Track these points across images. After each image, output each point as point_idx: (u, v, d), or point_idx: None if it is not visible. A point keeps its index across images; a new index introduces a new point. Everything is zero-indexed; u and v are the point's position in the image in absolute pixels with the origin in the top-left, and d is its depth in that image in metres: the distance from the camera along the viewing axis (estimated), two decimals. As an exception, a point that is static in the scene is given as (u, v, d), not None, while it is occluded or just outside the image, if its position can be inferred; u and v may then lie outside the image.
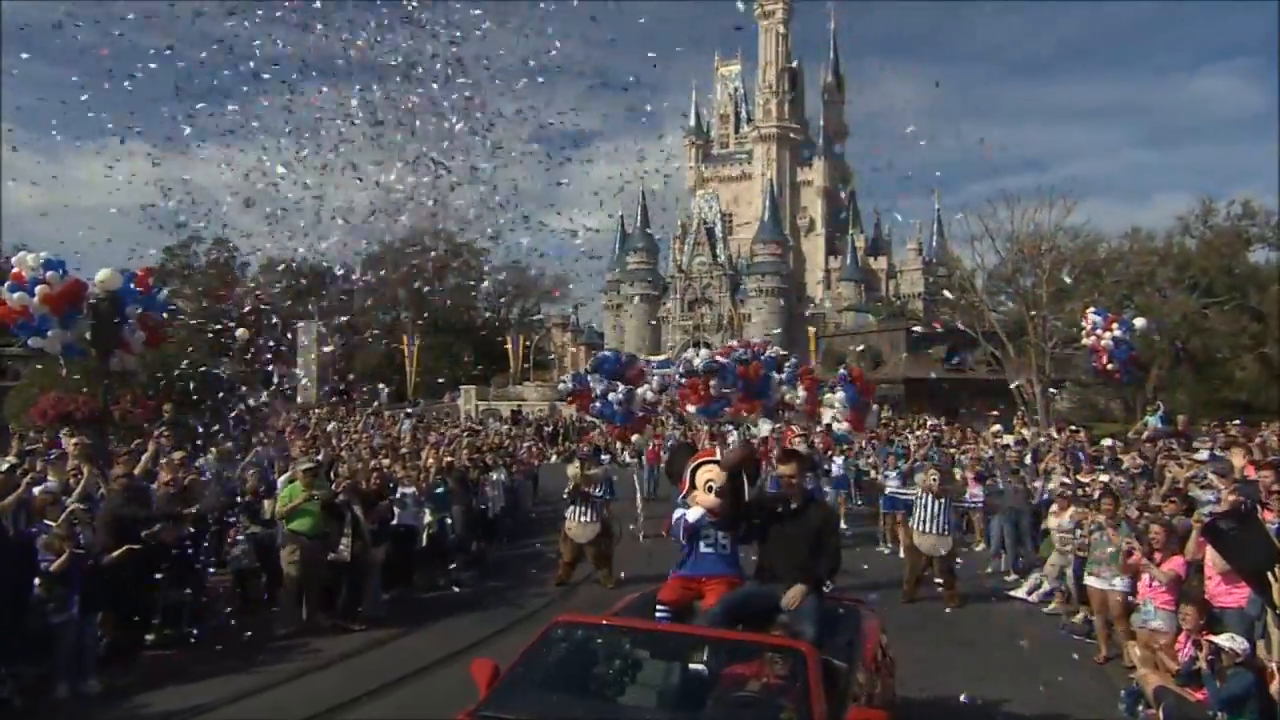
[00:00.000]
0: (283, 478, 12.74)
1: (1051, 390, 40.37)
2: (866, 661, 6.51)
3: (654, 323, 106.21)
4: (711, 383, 17.02)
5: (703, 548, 6.79)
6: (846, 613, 7.22)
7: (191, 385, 16.52)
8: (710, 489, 6.67)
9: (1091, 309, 24.63)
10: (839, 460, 20.96)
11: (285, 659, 10.61)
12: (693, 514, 6.74)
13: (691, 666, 6.05)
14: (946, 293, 49.52)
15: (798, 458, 7.28)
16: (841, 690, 5.76)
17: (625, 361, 19.15)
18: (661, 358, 20.86)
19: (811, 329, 71.92)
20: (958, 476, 16.56)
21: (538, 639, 6.00)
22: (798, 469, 7.02)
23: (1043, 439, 21.12)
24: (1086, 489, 13.50)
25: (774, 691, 5.55)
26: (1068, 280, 39.21)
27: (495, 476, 17.71)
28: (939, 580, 13.72)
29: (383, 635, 11.59)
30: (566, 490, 14.73)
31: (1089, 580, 11.29)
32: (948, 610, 13.12)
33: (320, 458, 14.88)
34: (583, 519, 13.96)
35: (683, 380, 17.72)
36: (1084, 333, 24.51)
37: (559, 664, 5.89)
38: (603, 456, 18.51)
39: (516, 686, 5.56)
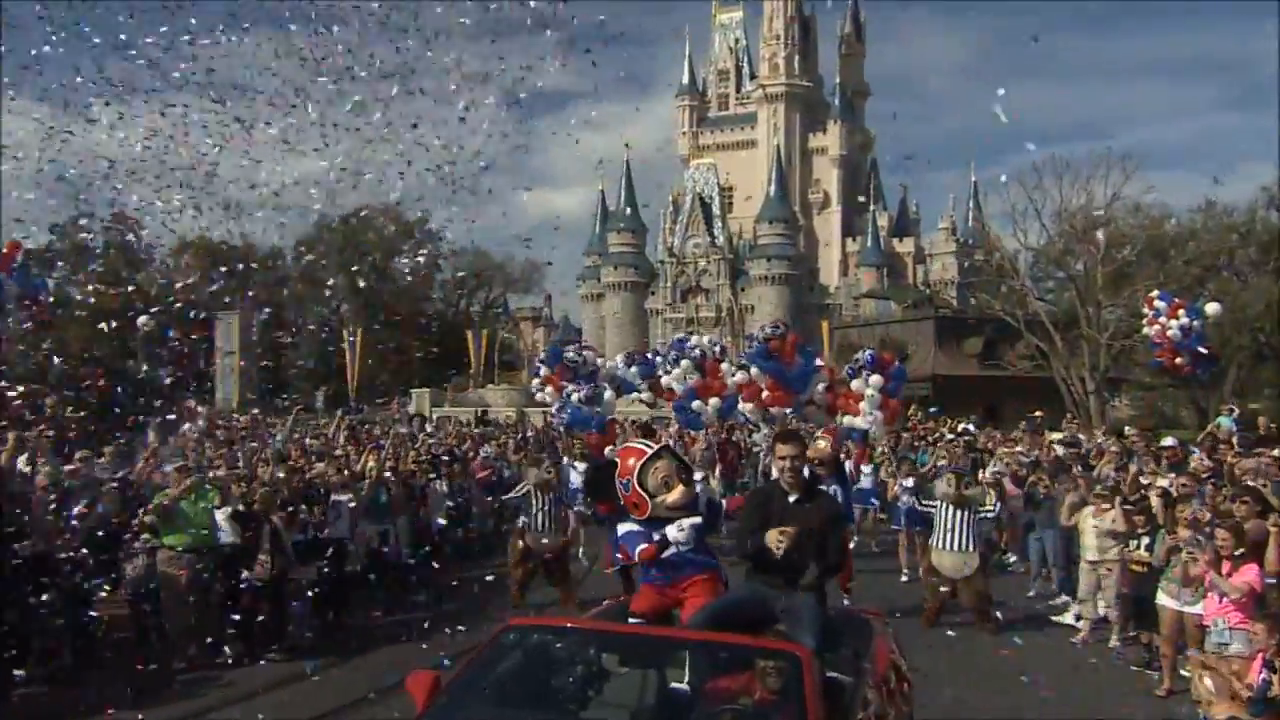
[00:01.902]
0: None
1: (1106, 394, 40.55)
2: (877, 679, 6.48)
3: (640, 315, 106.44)
4: (722, 367, 16.93)
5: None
6: (854, 624, 7.19)
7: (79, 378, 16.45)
8: (668, 484, 6.55)
9: (1156, 292, 24.63)
10: (867, 469, 20.90)
11: (191, 694, 10.57)
12: (672, 535, 6.57)
13: (670, 679, 6.02)
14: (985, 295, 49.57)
15: (797, 439, 7.17)
16: (845, 708, 5.74)
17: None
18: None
19: (825, 321, 71.94)
20: (982, 481, 16.53)
21: (487, 644, 5.96)
22: (799, 451, 6.91)
23: (1099, 440, 21.04)
24: (1143, 491, 13.52)
25: (766, 708, 5.53)
26: (1130, 258, 39.30)
27: (438, 486, 17.66)
28: (968, 605, 13.71)
29: (310, 665, 11.46)
30: (520, 491, 14.70)
31: (1161, 599, 11.26)
32: (981, 638, 13.12)
33: (240, 466, 14.84)
34: (544, 526, 13.92)
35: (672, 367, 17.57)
36: (1145, 320, 24.51)
37: (512, 673, 5.84)
38: (574, 465, 18.49)
39: (459, 699, 5.51)
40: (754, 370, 16.06)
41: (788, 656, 5.59)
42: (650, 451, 6.65)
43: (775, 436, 8.05)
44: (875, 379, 16.32)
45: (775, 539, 6.31)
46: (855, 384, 16.74)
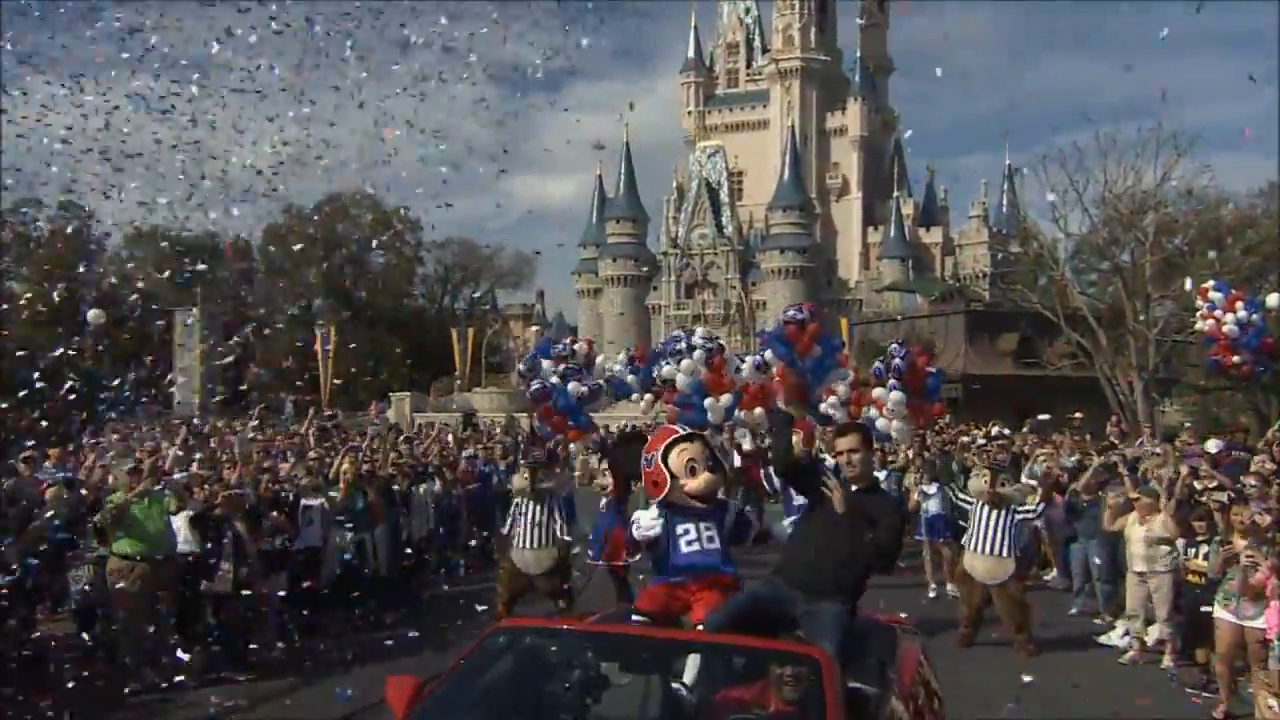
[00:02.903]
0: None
1: (1155, 396, 40.47)
2: (904, 690, 6.45)
3: (641, 312, 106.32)
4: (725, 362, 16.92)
5: (684, 546, 6.73)
6: (879, 631, 7.17)
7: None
8: (693, 470, 6.62)
9: (1211, 282, 24.58)
10: (881, 475, 20.80)
11: (144, 717, 10.57)
12: (645, 519, 6.66)
13: (674, 684, 6.01)
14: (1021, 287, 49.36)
15: (858, 430, 7.24)
16: (868, 720, 5.72)
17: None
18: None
19: (844, 319, 71.95)
20: (1025, 482, 16.48)
21: (473, 648, 5.95)
22: (858, 444, 6.96)
23: (1147, 449, 20.97)
24: (1198, 497, 13.49)
25: (782, 719, 5.51)
26: (1182, 246, 39.01)
27: (424, 489, 17.64)
28: (1004, 615, 13.68)
29: (278, 686, 11.56)
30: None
31: (1218, 613, 11.24)
32: (1018, 660, 13.08)
33: (195, 467, 14.82)
34: (532, 544, 13.85)
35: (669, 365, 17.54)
36: (1199, 314, 24.47)
37: (501, 679, 5.83)
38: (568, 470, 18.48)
39: (442, 709, 5.49)
40: (768, 354, 16.05)
41: (806, 661, 5.57)
42: (682, 434, 6.79)
43: (835, 431, 8.18)
44: (896, 395, 16.22)
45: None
46: (877, 391, 16.70)
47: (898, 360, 16.58)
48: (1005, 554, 13.56)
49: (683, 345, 17.01)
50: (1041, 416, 28.06)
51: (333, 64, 10.27)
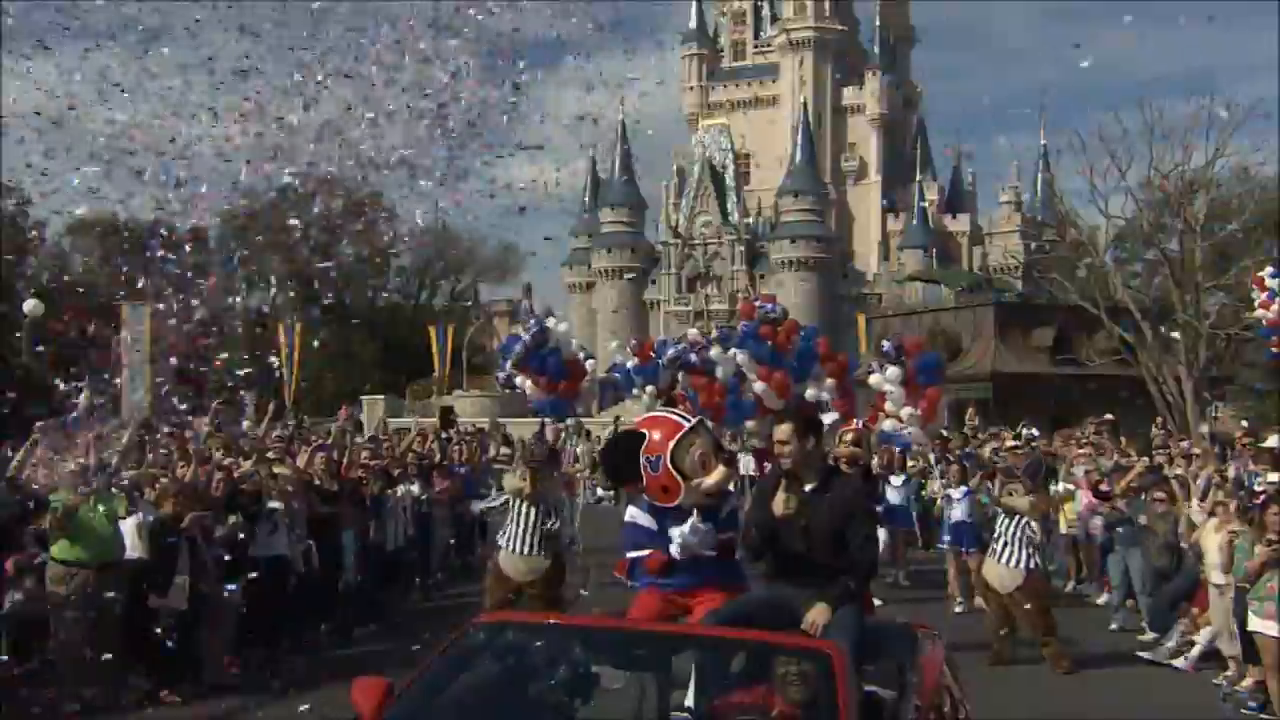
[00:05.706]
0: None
1: (1207, 396, 40.45)
2: (924, 696, 6.45)
3: (639, 307, 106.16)
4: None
5: (676, 551, 6.66)
6: (897, 633, 7.18)
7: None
8: (705, 465, 6.55)
9: (1268, 270, 24.62)
10: (898, 481, 20.73)
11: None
12: (688, 530, 6.60)
13: (677, 714, 6.02)
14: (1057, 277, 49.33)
15: (798, 417, 7.08)
16: (885, 728, 5.75)
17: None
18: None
19: (860, 314, 71.93)
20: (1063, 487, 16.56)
21: (448, 645, 5.96)
22: (794, 433, 6.86)
23: (1196, 452, 21.02)
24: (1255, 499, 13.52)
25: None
26: (1236, 232, 38.90)
27: (402, 492, 17.64)
28: (1025, 624, 13.76)
29: (232, 705, 11.57)
30: (498, 501, 14.71)
31: (1254, 624, 11.26)
32: (1053, 677, 13.12)
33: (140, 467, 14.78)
34: (523, 549, 13.84)
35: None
36: (1255, 303, 24.52)
37: (479, 680, 5.84)
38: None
39: (412, 712, 5.51)
40: (741, 357, 16.16)
41: (815, 656, 5.57)
42: (687, 425, 6.64)
43: (775, 416, 8.07)
44: (893, 371, 16.34)
45: (783, 503, 6.38)
46: (874, 379, 16.86)
47: (887, 345, 16.90)
48: (1016, 564, 13.65)
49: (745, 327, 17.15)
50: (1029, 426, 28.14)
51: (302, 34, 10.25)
